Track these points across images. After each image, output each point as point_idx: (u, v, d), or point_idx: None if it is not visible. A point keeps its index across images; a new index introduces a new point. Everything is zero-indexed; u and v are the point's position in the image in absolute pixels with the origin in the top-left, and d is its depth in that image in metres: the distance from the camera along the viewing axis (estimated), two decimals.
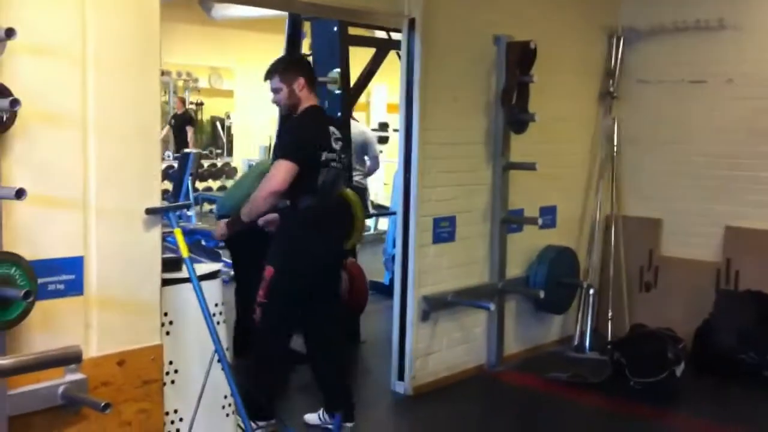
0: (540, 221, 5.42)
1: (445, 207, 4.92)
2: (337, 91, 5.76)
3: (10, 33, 2.57)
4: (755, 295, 5.41)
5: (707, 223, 5.78)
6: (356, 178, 7.78)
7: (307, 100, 3.99)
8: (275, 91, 3.98)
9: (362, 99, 8.02)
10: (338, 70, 5.71)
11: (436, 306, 4.84)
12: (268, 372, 4.07)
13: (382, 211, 8.78)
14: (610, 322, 5.94)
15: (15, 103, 2.55)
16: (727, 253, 5.68)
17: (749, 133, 5.65)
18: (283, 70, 3.97)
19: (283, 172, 3.77)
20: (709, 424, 4.54)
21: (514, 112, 5.14)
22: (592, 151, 6.14)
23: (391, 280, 6.21)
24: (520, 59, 5.07)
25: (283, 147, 4.00)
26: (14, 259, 2.66)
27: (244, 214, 3.90)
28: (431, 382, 4.87)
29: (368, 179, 8.17)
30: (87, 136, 2.96)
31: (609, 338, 5.74)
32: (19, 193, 2.54)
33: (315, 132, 3.95)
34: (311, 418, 4.21)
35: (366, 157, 7.84)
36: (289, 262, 3.89)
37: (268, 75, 3.97)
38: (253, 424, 3.73)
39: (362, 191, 7.94)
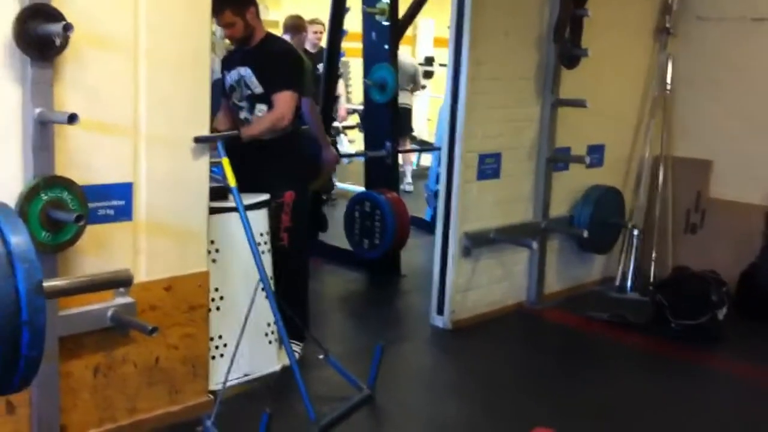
0: (587, 160, 5.33)
1: (491, 143, 4.86)
2: (385, 23, 5.66)
3: None
4: None
5: (758, 166, 5.63)
6: (402, 100, 8.51)
7: (261, 28, 4.06)
8: (228, 26, 3.95)
9: (408, 32, 8.04)
10: (387, 0, 5.60)
11: (477, 242, 4.83)
12: (304, 293, 4.24)
13: (426, 146, 8.87)
14: (653, 263, 5.89)
15: (68, 27, 2.54)
16: None
17: None
18: (234, 2, 3.88)
19: (291, 105, 3.96)
20: (750, 367, 4.52)
21: (566, 46, 5.02)
22: (644, 89, 5.99)
23: (433, 216, 6.22)
24: None
25: (283, 78, 3.98)
26: (66, 184, 2.70)
27: (247, 135, 3.87)
28: (470, 317, 4.89)
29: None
30: (138, 62, 2.97)
31: (652, 280, 5.70)
32: (72, 118, 2.56)
33: (302, 58, 4.24)
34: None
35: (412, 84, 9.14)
36: (305, 182, 4.27)
37: (218, 11, 3.74)
38: (294, 346, 3.82)
39: (409, 111, 8.82)
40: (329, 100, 6.13)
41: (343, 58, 6.95)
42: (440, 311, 4.82)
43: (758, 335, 5.03)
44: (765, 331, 5.07)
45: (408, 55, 9.46)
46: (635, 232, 5.79)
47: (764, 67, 5.64)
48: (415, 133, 9.50)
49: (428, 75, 9.72)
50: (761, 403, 4.10)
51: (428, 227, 6.53)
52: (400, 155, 9.47)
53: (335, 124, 6.93)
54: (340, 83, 8.18)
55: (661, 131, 5.98)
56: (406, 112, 9.01)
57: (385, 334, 4.59)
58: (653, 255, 5.90)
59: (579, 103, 5.04)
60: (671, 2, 5.88)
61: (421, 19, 9.73)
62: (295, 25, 6.59)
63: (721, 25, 5.82)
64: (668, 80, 5.95)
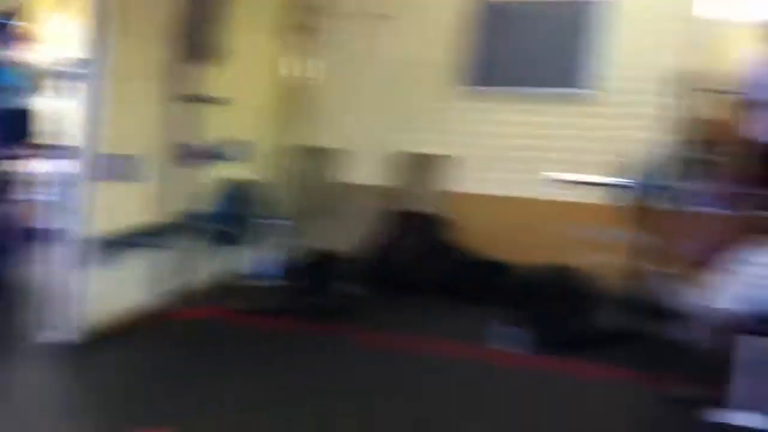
0: (225, 155, 5.33)
1: (124, 143, 4.56)
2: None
3: None
4: (421, 217, 6.06)
5: (384, 150, 6.19)
6: (29, 102, 7.79)
7: None
8: None
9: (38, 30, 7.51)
10: None
11: (107, 247, 4.52)
12: None
13: (50, 150, 8.30)
14: (293, 249, 6.06)
15: None
16: (400, 178, 6.19)
17: (421, 67, 6.11)
18: None
19: None
20: (383, 336, 4.87)
21: (196, 42, 5.00)
22: (280, 83, 6.16)
23: (54, 224, 5.79)
24: None
25: None
26: None
27: None
28: (103, 327, 4.47)
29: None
30: None
31: (291, 265, 5.85)
32: None
33: None
34: None
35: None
36: None
37: None
38: None
39: (29, 113, 7.99)
40: None
41: None
42: (64, 325, 4.36)
43: (389, 308, 5.44)
44: (395, 304, 5.52)
45: (40, 55, 8.82)
46: (275, 222, 5.95)
47: (388, 60, 6.12)
48: (40, 137, 8.73)
49: (58, 75, 9.04)
50: (391, 367, 4.39)
51: (48, 236, 6.06)
52: (22, 161, 8.67)
53: None
54: None
55: (298, 123, 6.22)
56: (26, 115, 8.36)
57: None
58: (293, 241, 6.09)
59: (213, 100, 5.07)
60: None
61: (51, 15, 9.12)
62: None
63: (353, 21, 6.18)
64: (303, 73, 6.20)
